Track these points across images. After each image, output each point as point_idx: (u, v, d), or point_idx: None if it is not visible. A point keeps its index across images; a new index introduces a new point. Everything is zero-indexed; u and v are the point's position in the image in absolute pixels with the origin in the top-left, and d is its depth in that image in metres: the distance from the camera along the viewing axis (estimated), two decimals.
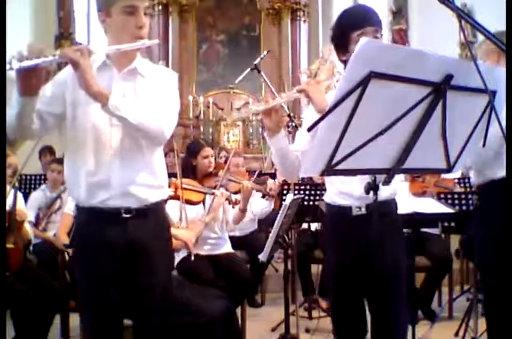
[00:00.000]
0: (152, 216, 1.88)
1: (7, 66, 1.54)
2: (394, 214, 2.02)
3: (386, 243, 1.79)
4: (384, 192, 1.82)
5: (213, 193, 3.10)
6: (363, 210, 1.91)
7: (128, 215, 1.82)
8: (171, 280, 2.02)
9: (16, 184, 3.40)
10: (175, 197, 2.81)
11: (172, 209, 2.86)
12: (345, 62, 1.89)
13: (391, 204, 2.00)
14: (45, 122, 1.78)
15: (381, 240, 1.74)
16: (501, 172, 2.09)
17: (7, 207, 3.00)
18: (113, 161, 1.79)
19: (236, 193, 3.45)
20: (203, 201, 3.16)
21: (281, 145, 1.90)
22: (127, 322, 1.97)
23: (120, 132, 1.79)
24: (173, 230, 2.56)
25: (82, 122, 1.80)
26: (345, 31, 1.87)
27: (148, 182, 1.84)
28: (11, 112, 1.69)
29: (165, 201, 1.99)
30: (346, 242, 1.95)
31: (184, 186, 2.88)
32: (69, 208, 3.67)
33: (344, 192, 1.96)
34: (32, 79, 1.61)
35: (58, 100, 1.81)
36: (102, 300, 1.85)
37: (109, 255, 1.82)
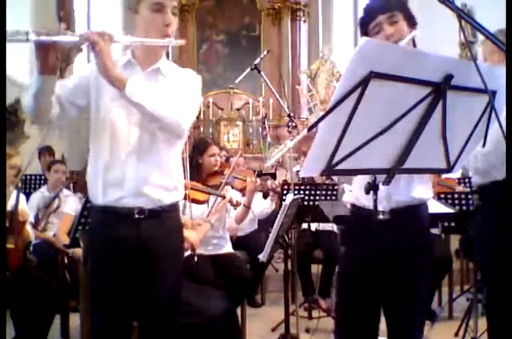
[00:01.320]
0: (165, 218, 1.87)
1: (23, 37, 1.52)
2: (419, 221, 1.87)
3: (402, 252, 1.74)
4: (401, 197, 1.77)
5: (221, 195, 3.09)
6: (386, 215, 1.82)
7: (141, 216, 1.81)
8: (180, 282, 1.99)
9: (19, 185, 3.40)
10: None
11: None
12: None
13: (415, 209, 1.85)
14: (64, 110, 1.80)
15: (399, 250, 1.71)
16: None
17: (10, 208, 3.00)
18: (129, 158, 1.79)
19: (241, 190, 3.43)
20: (207, 201, 3.16)
21: None
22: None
23: (138, 130, 1.79)
24: None
25: (102, 118, 1.82)
26: (363, 26, 1.82)
27: (162, 183, 1.83)
28: (29, 93, 1.71)
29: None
30: (365, 246, 1.90)
31: (191, 186, 2.88)
32: (70, 208, 3.68)
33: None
34: (50, 56, 1.62)
35: (81, 91, 1.82)
36: (111, 299, 1.84)
37: (120, 255, 1.82)
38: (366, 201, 1.89)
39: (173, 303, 1.92)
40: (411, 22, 1.80)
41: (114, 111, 1.79)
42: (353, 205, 1.95)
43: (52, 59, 1.62)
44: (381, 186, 1.83)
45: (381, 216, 1.81)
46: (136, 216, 1.81)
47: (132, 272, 1.83)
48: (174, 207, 1.90)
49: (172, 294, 1.91)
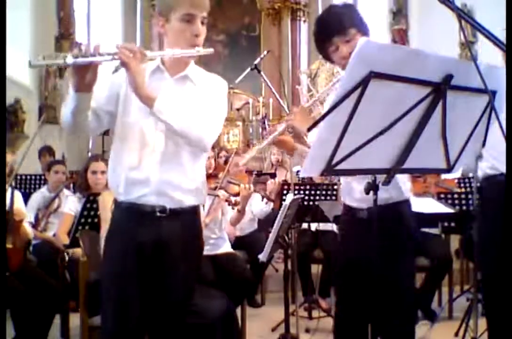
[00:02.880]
0: (186, 219, 1.88)
1: (61, 61, 1.57)
2: (399, 219, 1.90)
3: (385, 254, 1.69)
4: (382, 195, 1.77)
5: (215, 195, 3.10)
6: (365, 214, 1.86)
7: (162, 214, 1.83)
8: (194, 284, 1.98)
9: (13, 183, 3.39)
10: None
11: None
12: (343, 67, 1.90)
13: (396, 207, 1.89)
14: (100, 120, 1.84)
15: (380, 250, 1.66)
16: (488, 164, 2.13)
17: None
18: (154, 163, 1.82)
19: (235, 195, 3.45)
20: None
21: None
22: None
23: (164, 137, 1.82)
24: None
25: (130, 122, 1.85)
26: (320, 46, 1.92)
27: (185, 186, 1.85)
28: (66, 109, 1.75)
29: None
30: (351, 245, 1.92)
31: None
32: (70, 208, 3.68)
33: (347, 192, 1.95)
34: (86, 76, 1.65)
35: (112, 99, 1.86)
36: (124, 298, 1.83)
37: (137, 253, 1.82)
38: (348, 201, 1.92)
39: (184, 305, 1.92)
40: (365, 32, 1.89)
41: (143, 117, 1.81)
42: (344, 204, 2.01)
43: (88, 78, 1.66)
44: (356, 185, 1.86)
45: (360, 215, 1.87)
46: (158, 214, 1.82)
47: (147, 271, 1.83)
48: (194, 209, 1.92)
49: (185, 296, 1.91)
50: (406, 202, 1.96)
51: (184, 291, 1.90)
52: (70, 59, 1.57)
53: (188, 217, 1.89)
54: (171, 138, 1.81)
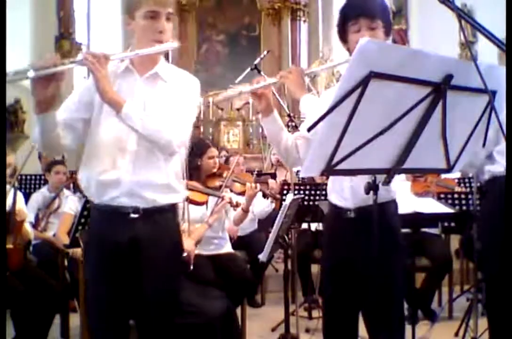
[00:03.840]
0: (161, 217, 1.88)
1: (23, 75, 1.55)
2: (388, 218, 1.86)
3: (370, 252, 1.67)
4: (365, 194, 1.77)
5: (220, 196, 3.09)
6: (352, 214, 1.83)
7: (135, 215, 1.83)
8: (177, 282, 1.99)
9: (16, 184, 3.40)
10: None
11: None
12: (349, 50, 1.86)
13: (384, 207, 1.83)
14: (76, 131, 1.83)
15: (370, 248, 1.65)
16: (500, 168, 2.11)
17: (7, 207, 3.00)
18: (128, 164, 1.81)
19: (240, 194, 3.45)
20: (206, 202, 3.16)
21: (274, 127, 1.86)
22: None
23: (136, 137, 1.81)
24: None
25: (103, 125, 1.84)
26: (342, 21, 1.84)
27: (158, 185, 1.85)
28: (35, 132, 1.75)
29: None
30: (338, 245, 1.90)
31: (190, 187, 2.88)
32: (70, 207, 3.68)
33: (336, 191, 1.92)
34: (49, 89, 1.63)
35: (86, 105, 1.85)
36: (106, 298, 1.85)
37: (115, 254, 1.82)
38: (333, 199, 1.91)
39: (169, 303, 1.91)
40: (388, 31, 1.84)
41: (114, 120, 1.79)
42: (330, 203, 1.97)
43: (52, 91, 1.64)
44: (346, 184, 1.85)
45: (348, 215, 1.83)
46: (131, 215, 1.83)
47: (126, 271, 1.83)
48: (170, 208, 1.91)
49: (167, 293, 1.90)
50: (393, 202, 1.91)
51: (167, 290, 1.89)
52: (31, 73, 1.56)
53: (163, 216, 1.88)
54: (144, 139, 1.80)
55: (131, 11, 1.83)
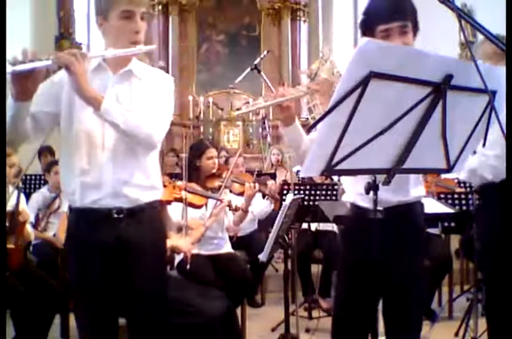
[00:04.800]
0: (144, 216, 1.87)
1: None
2: (415, 219, 1.87)
3: (398, 251, 1.74)
4: (395, 195, 1.77)
5: (219, 199, 3.09)
6: (379, 215, 1.83)
7: (119, 215, 1.82)
8: (164, 279, 1.99)
9: (20, 185, 3.40)
10: (179, 199, 2.81)
11: (175, 211, 2.87)
12: None
13: (410, 208, 1.84)
14: (39, 123, 1.79)
15: (395, 249, 1.71)
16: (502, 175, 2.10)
17: (10, 208, 3.00)
18: (106, 161, 1.80)
19: (239, 194, 3.45)
20: (206, 204, 3.16)
21: (294, 135, 1.85)
22: (122, 320, 1.96)
23: (113, 133, 1.79)
24: (173, 241, 2.57)
25: (76, 123, 1.81)
26: (369, 24, 1.75)
27: (140, 183, 1.85)
28: (7, 115, 1.70)
29: (163, 202, 1.98)
30: (362, 245, 1.89)
31: (189, 189, 2.88)
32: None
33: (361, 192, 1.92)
34: (26, 83, 1.62)
35: (53, 99, 1.82)
36: (94, 300, 1.85)
37: (100, 255, 1.82)
38: (358, 201, 1.89)
39: (158, 300, 1.91)
40: (416, 33, 1.77)
41: (88, 117, 1.78)
42: (352, 204, 1.95)
43: (29, 85, 1.63)
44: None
45: (376, 215, 1.81)
46: (115, 215, 1.82)
47: (113, 272, 1.83)
48: (152, 204, 1.91)
49: (155, 291, 1.90)
50: (419, 203, 1.90)
51: (154, 286, 1.89)
52: (9, 68, 1.54)
53: (146, 214, 1.88)
54: (121, 132, 1.78)
55: (104, 11, 1.80)
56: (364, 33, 1.80)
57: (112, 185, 1.80)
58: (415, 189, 1.83)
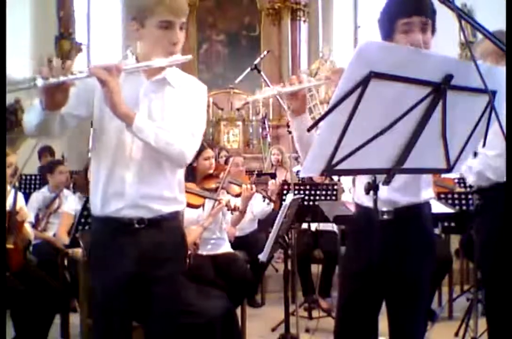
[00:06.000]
0: (166, 226, 1.86)
1: (31, 84, 1.50)
2: (422, 220, 1.85)
3: (406, 252, 1.75)
4: (405, 197, 1.77)
5: (217, 200, 3.09)
6: (387, 215, 1.79)
7: (140, 226, 1.81)
8: (181, 289, 1.99)
9: (17, 184, 3.40)
10: None
11: None
12: None
13: (418, 209, 1.83)
14: (66, 123, 1.76)
15: (401, 248, 1.71)
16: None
17: (7, 207, 3.00)
18: (131, 173, 1.79)
19: (236, 196, 3.45)
20: (203, 205, 3.16)
21: (302, 126, 1.80)
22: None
23: (141, 146, 1.77)
24: None
25: (106, 132, 1.80)
26: (390, 17, 1.73)
27: (163, 195, 1.83)
28: (30, 118, 1.67)
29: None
30: (370, 246, 1.88)
31: (187, 189, 2.88)
32: (70, 207, 3.68)
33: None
34: (57, 95, 1.58)
35: (84, 104, 1.79)
36: (113, 309, 1.84)
37: (122, 265, 1.81)
38: (367, 202, 1.87)
39: (175, 309, 1.91)
40: (434, 30, 1.78)
41: (118, 127, 1.76)
42: (357, 205, 1.93)
43: (60, 97, 1.59)
44: (385, 186, 1.83)
45: (385, 216, 1.79)
46: (136, 226, 1.81)
47: (134, 281, 1.82)
48: (174, 215, 1.89)
49: (174, 301, 1.91)
50: (427, 204, 1.89)
51: (172, 296, 1.90)
52: (40, 82, 1.50)
53: (167, 224, 1.86)
54: (148, 147, 1.75)
55: (141, 18, 1.74)
56: (382, 29, 1.78)
57: (134, 197, 1.79)
58: (425, 190, 1.82)
